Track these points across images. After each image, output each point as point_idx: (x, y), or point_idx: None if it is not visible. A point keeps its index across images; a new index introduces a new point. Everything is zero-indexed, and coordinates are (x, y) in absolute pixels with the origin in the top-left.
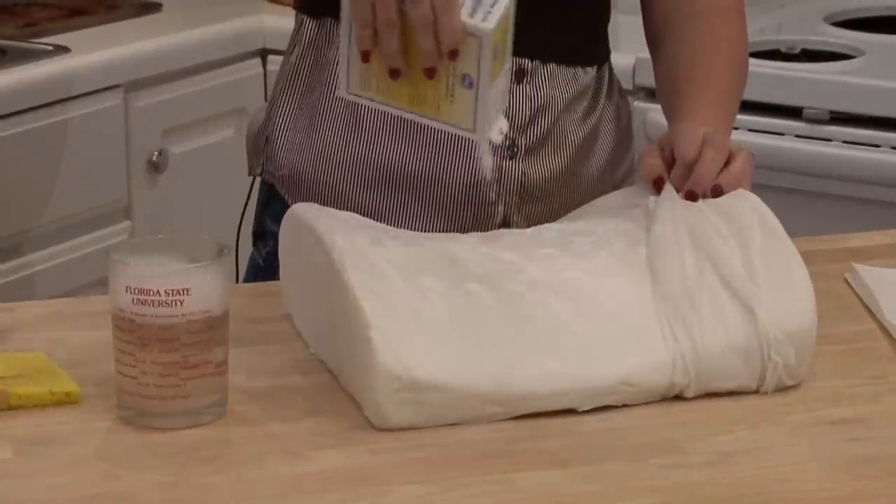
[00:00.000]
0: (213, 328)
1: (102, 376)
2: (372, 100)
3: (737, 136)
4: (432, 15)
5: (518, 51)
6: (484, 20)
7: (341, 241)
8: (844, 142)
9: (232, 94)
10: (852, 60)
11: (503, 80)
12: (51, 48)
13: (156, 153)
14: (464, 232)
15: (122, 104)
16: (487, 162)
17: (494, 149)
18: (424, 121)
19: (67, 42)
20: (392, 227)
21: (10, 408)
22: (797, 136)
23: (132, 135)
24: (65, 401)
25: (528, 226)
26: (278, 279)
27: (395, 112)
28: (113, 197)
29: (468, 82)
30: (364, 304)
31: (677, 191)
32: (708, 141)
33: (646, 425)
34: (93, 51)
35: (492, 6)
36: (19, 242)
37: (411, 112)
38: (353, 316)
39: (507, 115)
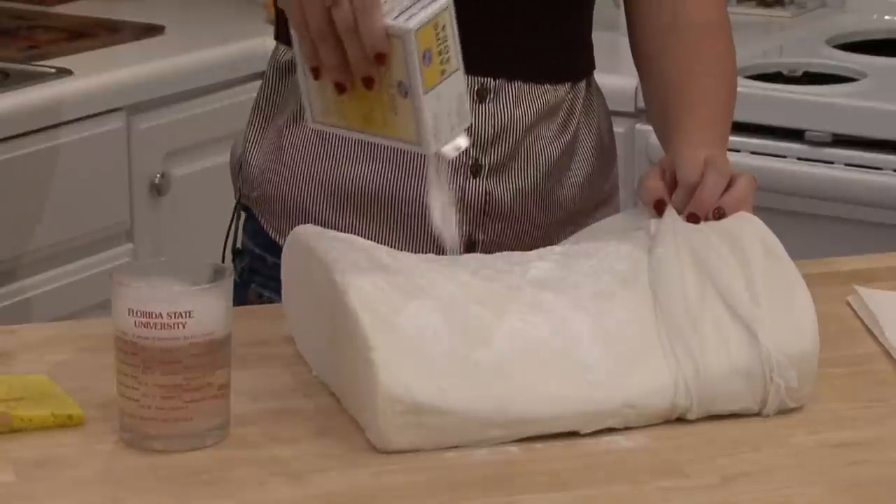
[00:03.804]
0: (216, 351)
1: (105, 399)
2: (335, 126)
3: (739, 158)
4: (353, 18)
5: (480, 69)
6: (407, 21)
7: (343, 263)
8: (846, 164)
9: (234, 117)
10: (854, 83)
11: (451, 89)
12: (53, 71)
13: (158, 176)
14: (427, 251)
15: (124, 127)
16: (435, 181)
17: (452, 167)
18: (379, 140)
19: (70, 65)
20: (395, 250)
21: (12, 430)
22: (799, 158)
23: (134, 157)
24: (67, 423)
25: (494, 246)
26: (251, 294)
27: (357, 136)
28: (115, 220)
29: (404, 90)
30: (366, 326)
31: (679, 214)
32: (710, 164)
33: (648, 448)
34: (95, 73)
35: (420, 10)
36: (21, 265)
37: (366, 133)
38: (354, 338)
39: (469, 133)
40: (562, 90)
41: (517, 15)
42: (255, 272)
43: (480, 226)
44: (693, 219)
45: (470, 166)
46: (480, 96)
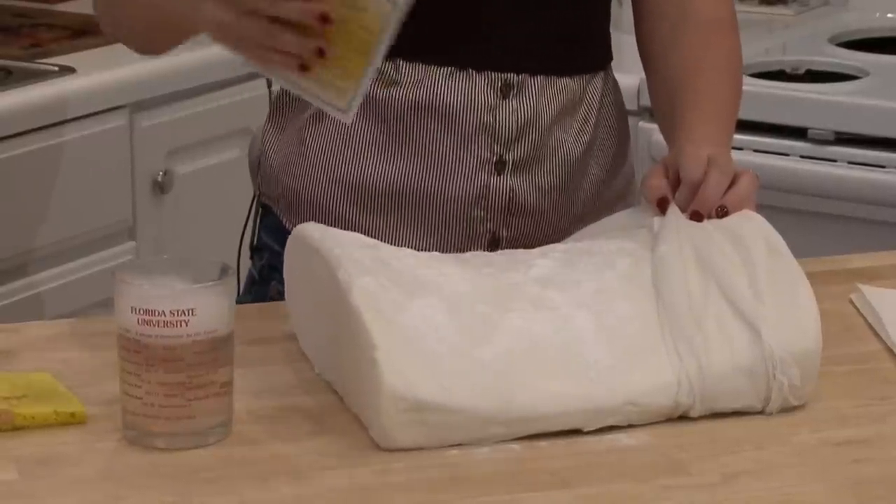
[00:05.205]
0: (218, 348)
1: (107, 397)
2: (354, 95)
3: (742, 156)
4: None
5: (503, 65)
6: None
7: (347, 261)
8: (849, 162)
9: (237, 114)
10: (857, 81)
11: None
12: (56, 69)
13: (161, 174)
14: (451, 249)
15: (126, 124)
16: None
17: (482, 165)
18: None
19: (73, 62)
20: (398, 248)
21: (15, 428)
22: (802, 156)
23: (137, 155)
24: (70, 421)
25: (518, 242)
26: (272, 291)
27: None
28: (117, 217)
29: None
30: (369, 325)
31: (682, 211)
32: (713, 162)
33: (650, 445)
34: (98, 71)
35: None
36: (24, 263)
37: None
38: (358, 337)
39: (493, 131)
40: (581, 83)
41: (537, 7)
42: (276, 269)
43: (505, 223)
44: (696, 217)
45: (494, 163)
46: (504, 93)
